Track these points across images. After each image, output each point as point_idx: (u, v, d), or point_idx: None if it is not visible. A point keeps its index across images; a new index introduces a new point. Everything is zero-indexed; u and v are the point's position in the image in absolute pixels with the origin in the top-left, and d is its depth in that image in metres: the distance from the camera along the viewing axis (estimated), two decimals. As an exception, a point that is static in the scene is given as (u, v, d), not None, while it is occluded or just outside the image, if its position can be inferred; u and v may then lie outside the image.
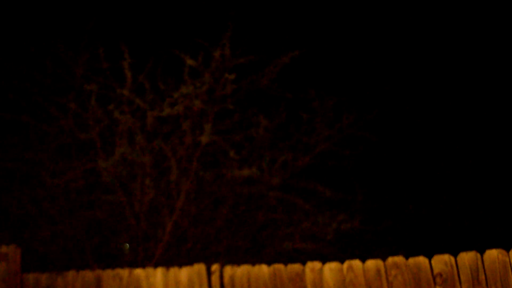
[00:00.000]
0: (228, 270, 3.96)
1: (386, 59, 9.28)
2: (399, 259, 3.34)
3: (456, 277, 3.13)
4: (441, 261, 3.19)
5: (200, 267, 4.08)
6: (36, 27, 6.85)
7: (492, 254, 3.04)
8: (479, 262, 3.07)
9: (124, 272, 4.36)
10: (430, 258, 3.24)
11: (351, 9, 9.38)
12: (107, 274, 4.41)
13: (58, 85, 6.35)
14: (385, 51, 9.33)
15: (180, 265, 4.29)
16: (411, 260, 3.30)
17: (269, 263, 3.90)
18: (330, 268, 3.57)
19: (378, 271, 3.39)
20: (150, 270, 4.28)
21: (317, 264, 3.63)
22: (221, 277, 3.98)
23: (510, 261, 2.99)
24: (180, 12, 8.62)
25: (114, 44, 6.15)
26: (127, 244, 6.18)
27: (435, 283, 3.19)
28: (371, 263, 3.43)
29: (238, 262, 4.75)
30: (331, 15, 9.32)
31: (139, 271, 4.31)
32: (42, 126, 6.29)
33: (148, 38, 7.41)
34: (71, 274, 4.55)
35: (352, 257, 3.67)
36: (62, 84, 6.35)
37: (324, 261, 3.66)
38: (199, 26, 7.84)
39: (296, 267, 3.70)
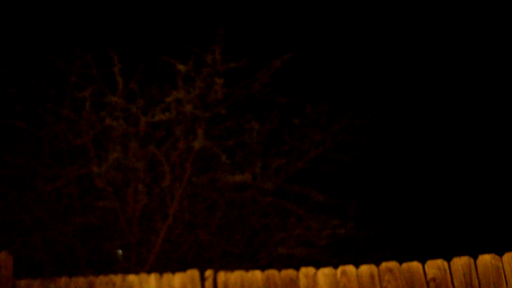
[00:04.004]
0: (222, 275, 3.96)
1: (378, 63, 9.31)
2: (392, 264, 3.35)
3: (450, 282, 3.14)
4: (434, 266, 3.20)
5: (193, 273, 4.08)
6: (30, 34, 6.84)
7: (485, 259, 3.05)
8: (472, 267, 3.08)
9: (117, 278, 4.34)
10: (423, 263, 3.25)
11: (343, 14, 9.42)
12: (100, 280, 4.39)
13: (52, 91, 6.34)
14: (377, 55, 9.37)
15: (174, 271, 4.28)
16: (405, 265, 3.31)
17: (262, 268, 3.90)
18: (324, 274, 3.57)
19: (371, 276, 3.39)
20: (143, 276, 4.26)
21: (310, 270, 3.63)
22: (215, 282, 3.98)
23: (503, 266, 3.00)
24: (172, 18, 8.63)
25: (107, 51, 6.14)
26: (120, 250, 6.16)
27: (428, 288, 3.20)
28: (364, 268, 3.43)
29: (231, 267, 4.75)
30: (323, 20, 9.35)
31: (132, 277, 4.30)
32: (36, 132, 6.28)
33: (140, 44, 7.41)
34: (63, 280, 4.53)
35: (346, 262, 3.68)
36: (56, 91, 6.35)
37: (317, 266, 3.66)
38: (191, 32, 7.85)
39: (289, 272, 3.70)
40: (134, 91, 6.20)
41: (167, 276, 4.17)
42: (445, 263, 3.17)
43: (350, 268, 3.49)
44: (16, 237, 6.12)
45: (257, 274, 3.82)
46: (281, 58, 6.35)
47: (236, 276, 3.90)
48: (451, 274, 3.14)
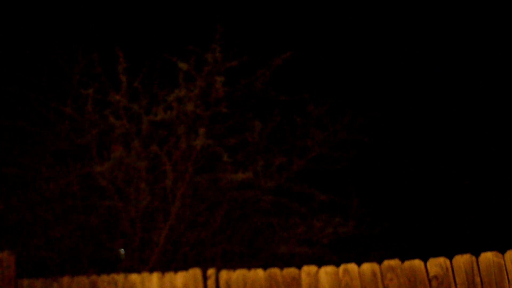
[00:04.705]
0: (224, 274, 3.96)
1: (380, 61, 9.31)
2: (394, 262, 3.35)
3: (452, 280, 3.14)
4: (436, 264, 3.20)
5: (195, 272, 4.08)
6: (33, 33, 6.85)
7: (487, 256, 3.05)
8: (474, 265, 3.08)
9: (120, 277, 4.35)
10: (425, 261, 3.25)
11: (345, 12, 9.41)
12: (102, 280, 4.40)
13: (55, 90, 6.35)
14: (380, 53, 9.36)
15: (176, 269, 4.28)
16: (407, 263, 3.31)
17: (265, 267, 3.90)
18: (326, 272, 3.57)
19: (373, 274, 3.39)
20: (145, 275, 4.27)
21: (313, 268, 3.63)
22: (217, 281, 3.98)
23: (505, 264, 3.00)
24: (173, 16, 8.63)
25: (109, 49, 6.15)
26: (123, 249, 6.17)
27: (430, 286, 3.19)
28: (366, 266, 3.43)
29: (233, 266, 4.75)
30: (325, 18, 9.35)
31: (134, 276, 4.30)
32: (39, 131, 6.29)
33: (142, 43, 7.42)
34: (66, 279, 4.54)
35: (348, 260, 3.68)
36: (59, 90, 6.35)
37: (320, 264, 3.66)
38: (192, 30, 7.85)
39: (292, 271, 3.70)
40: (136, 90, 6.20)
41: (169, 275, 4.17)
42: (447, 261, 3.17)
43: (352, 267, 3.49)
44: (18, 236, 6.13)
45: (259, 273, 3.82)
46: (282, 57, 6.35)
47: (238, 274, 3.90)
48: (453, 272, 3.14)
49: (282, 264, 5.39)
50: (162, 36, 7.78)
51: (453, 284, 3.13)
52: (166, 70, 6.29)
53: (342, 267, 3.52)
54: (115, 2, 8.18)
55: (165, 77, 6.29)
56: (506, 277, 2.99)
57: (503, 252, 3.04)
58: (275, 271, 3.77)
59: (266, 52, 6.49)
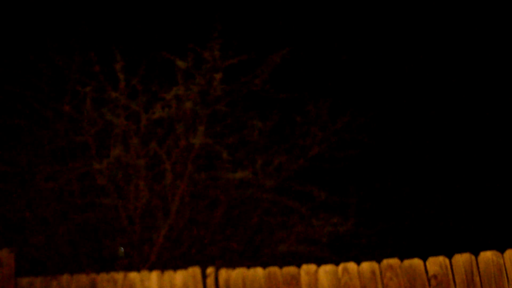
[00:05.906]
0: (223, 273, 3.96)
1: (381, 60, 9.30)
2: (394, 261, 3.35)
3: (451, 279, 3.14)
4: (436, 263, 3.20)
5: (195, 270, 4.08)
6: (30, 31, 6.84)
7: (487, 256, 3.05)
8: (474, 264, 3.08)
9: (119, 276, 4.34)
10: (425, 260, 3.25)
11: (345, 10, 9.41)
12: (102, 278, 4.39)
13: (53, 88, 6.35)
14: (380, 52, 9.36)
15: (175, 268, 4.28)
16: (406, 262, 3.31)
17: (264, 266, 3.90)
18: (325, 271, 3.57)
19: (373, 273, 3.39)
20: (145, 273, 4.26)
21: (312, 267, 3.63)
22: (216, 280, 3.98)
23: (504, 263, 3.00)
24: (172, 14, 8.62)
25: (107, 47, 6.14)
26: (122, 248, 6.16)
27: (430, 285, 3.19)
28: (366, 265, 3.43)
29: (233, 265, 4.75)
30: (325, 16, 9.34)
31: (134, 275, 4.30)
32: (37, 129, 6.28)
33: (140, 41, 7.41)
34: (65, 278, 4.54)
35: (347, 259, 3.68)
36: (57, 88, 6.35)
37: (319, 263, 3.66)
38: (190, 28, 7.84)
39: (291, 269, 3.70)
40: (135, 88, 6.20)
41: (168, 274, 4.17)
42: (447, 260, 3.17)
43: (351, 265, 3.49)
44: (17, 235, 6.13)
45: (258, 271, 3.82)
46: (280, 53, 6.34)
47: (237, 273, 3.90)
48: (452, 271, 3.14)
49: (282, 263, 5.40)
50: (161, 34, 7.77)
51: (452, 283, 3.13)
52: (165, 68, 6.28)
53: (341, 266, 3.52)
54: (113, 0, 8.17)
55: (163, 75, 6.28)
56: (505, 276, 2.99)
57: (502, 251, 3.04)
58: (275, 270, 3.77)
59: (266, 50, 6.48)
